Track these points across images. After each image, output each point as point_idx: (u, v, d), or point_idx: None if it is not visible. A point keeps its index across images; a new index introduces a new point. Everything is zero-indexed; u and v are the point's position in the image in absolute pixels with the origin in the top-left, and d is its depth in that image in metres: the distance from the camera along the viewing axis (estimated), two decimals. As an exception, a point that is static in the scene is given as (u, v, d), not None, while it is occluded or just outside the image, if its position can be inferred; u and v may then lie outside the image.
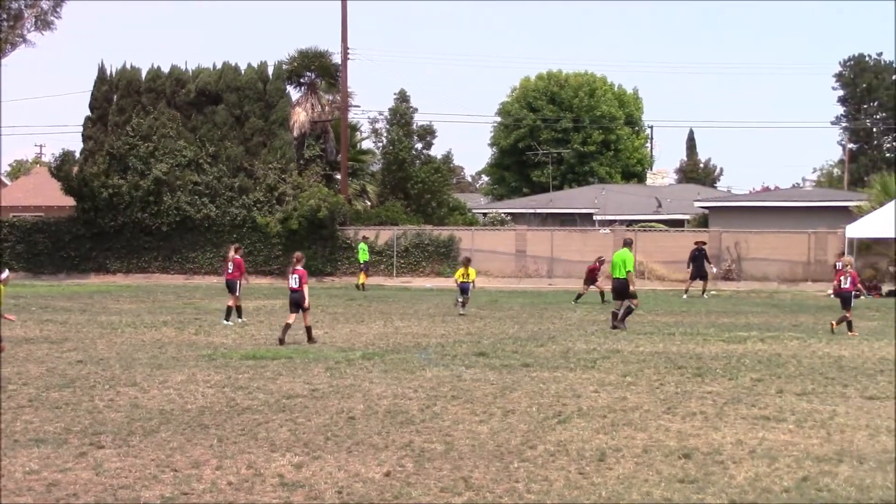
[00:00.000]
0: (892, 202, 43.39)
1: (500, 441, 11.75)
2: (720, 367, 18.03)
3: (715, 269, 45.19)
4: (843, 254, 42.46)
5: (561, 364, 18.44)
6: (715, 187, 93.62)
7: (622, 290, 25.64)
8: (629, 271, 25.48)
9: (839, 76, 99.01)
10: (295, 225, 50.94)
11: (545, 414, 13.44)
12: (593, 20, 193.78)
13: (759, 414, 13.47)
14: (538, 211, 68.48)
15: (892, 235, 43.68)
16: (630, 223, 59.07)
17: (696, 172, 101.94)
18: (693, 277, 41.27)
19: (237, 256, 28.16)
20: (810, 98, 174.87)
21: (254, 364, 18.35)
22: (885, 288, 43.80)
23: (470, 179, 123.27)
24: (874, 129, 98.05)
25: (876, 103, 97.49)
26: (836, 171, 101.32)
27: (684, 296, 39.87)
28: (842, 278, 25.40)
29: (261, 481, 10.01)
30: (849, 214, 47.89)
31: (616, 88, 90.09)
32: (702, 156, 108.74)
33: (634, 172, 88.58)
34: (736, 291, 43.62)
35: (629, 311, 25.59)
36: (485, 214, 67.77)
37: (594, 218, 65.97)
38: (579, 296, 35.84)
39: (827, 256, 47.35)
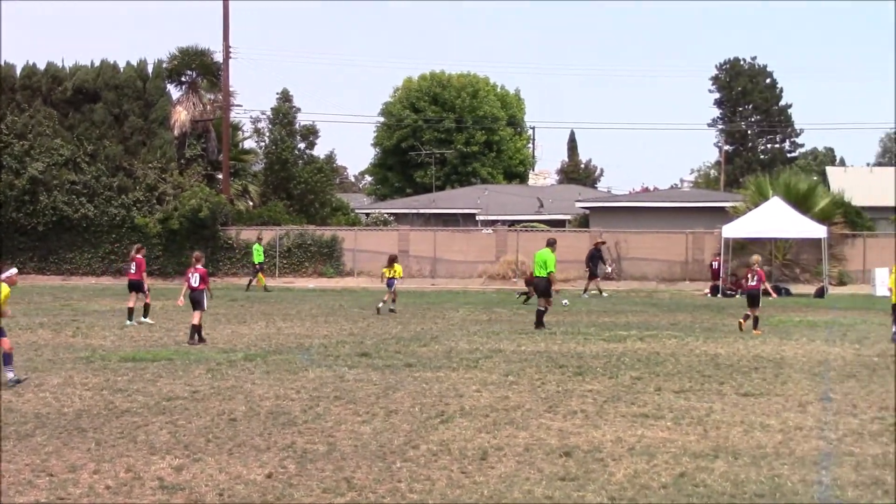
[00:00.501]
0: (767, 203, 44.41)
1: (383, 441, 11.76)
2: (600, 366, 18.28)
3: (609, 269, 45.74)
4: (719, 254, 43.41)
5: (444, 364, 18.52)
6: (595, 188, 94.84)
7: (544, 288, 26.00)
8: (551, 272, 25.86)
9: (715, 79, 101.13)
10: (175, 225, 50.22)
11: (428, 414, 13.48)
12: (477, 21, 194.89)
13: (638, 412, 13.69)
14: (421, 211, 68.57)
15: (767, 236, 44.74)
16: (512, 223, 59.52)
17: (577, 173, 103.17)
18: (592, 276, 41.88)
19: (138, 256, 27.66)
20: (688, 100, 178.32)
21: (133, 366, 18.07)
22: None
23: (353, 179, 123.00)
24: (749, 132, 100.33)
25: (750, 106, 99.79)
26: (712, 172, 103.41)
27: (584, 294, 40.35)
28: (749, 276, 26.08)
29: (140, 484, 9.86)
30: (725, 215, 48.85)
31: (499, 89, 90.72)
32: (583, 157, 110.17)
33: (517, 173, 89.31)
34: (616, 291, 44.23)
35: (541, 313, 26.00)
36: (368, 215, 67.65)
37: (477, 218, 66.31)
38: (528, 297, 36.03)
39: (704, 256, 48.31)
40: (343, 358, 19.36)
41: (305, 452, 11.19)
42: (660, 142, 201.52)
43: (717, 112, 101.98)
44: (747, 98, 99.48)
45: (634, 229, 51.17)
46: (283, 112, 62.38)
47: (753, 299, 25.42)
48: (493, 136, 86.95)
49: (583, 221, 61.37)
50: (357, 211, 68.53)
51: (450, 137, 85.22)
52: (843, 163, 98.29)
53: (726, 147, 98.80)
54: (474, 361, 18.86)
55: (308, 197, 59.34)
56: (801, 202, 46.32)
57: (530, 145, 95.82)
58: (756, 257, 27.24)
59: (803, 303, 37.72)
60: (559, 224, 62.98)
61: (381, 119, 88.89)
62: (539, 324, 25.65)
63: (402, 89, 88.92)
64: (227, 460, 10.80)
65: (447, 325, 26.77)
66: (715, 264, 43.67)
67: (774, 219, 42.95)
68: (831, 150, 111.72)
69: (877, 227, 52.05)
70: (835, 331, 25.85)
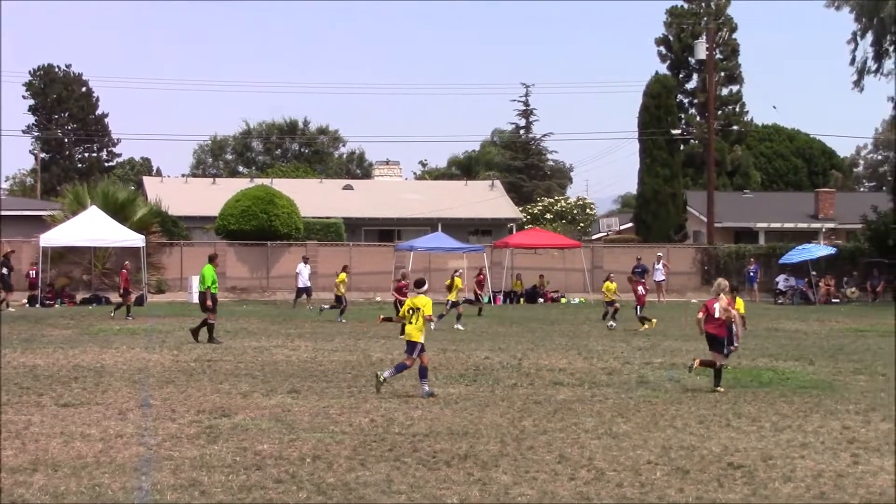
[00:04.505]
0: (85, 212, 44.25)
1: None
2: None
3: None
4: (37, 263, 42.38)
5: None
6: None
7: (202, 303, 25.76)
8: (208, 287, 25.32)
9: (29, 85, 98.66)
10: None
11: None
12: None
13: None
14: None
15: (87, 245, 44.53)
16: None
17: None
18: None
19: None
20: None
21: None
22: (80, 296, 44.47)
23: None
24: (66, 140, 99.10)
25: (67, 114, 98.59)
26: (29, 179, 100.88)
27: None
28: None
29: None
30: (43, 223, 47.97)
31: None
32: None
33: None
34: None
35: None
36: None
37: None
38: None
39: (22, 266, 46.89)
40: None
41: None
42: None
43: (31, 118, 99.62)
44: (63, 106, 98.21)
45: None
46: None
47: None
48: None
49: None
50: None
51: None
52: (159, 173, 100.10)
53: (42, 155, 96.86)
54: None
55: None
56: (120, 211, 46.77)
57: None
58: (404, 270, 31.38)
59: (122, 311, 37.96)
60: None
61: None
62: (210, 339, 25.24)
63: None
64: None
65: None
66: (33, 273, 42.70)
67: (93, 227, 42.95)
68: (148, 160, 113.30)
69: (192, 236, 53.77)
70: (154, 338, 26.37)
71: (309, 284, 42.15)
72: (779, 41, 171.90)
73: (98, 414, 14.36)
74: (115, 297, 44.30)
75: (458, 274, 34.05)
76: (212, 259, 26.71)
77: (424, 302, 16.57)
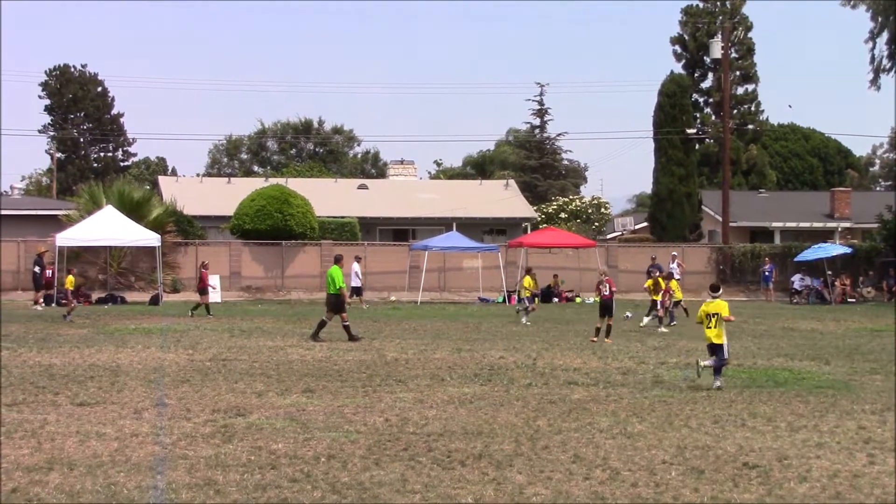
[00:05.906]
0: (101, 211, 44.32)
1: None
2: (-75, 383, 17.20)
3: None
4: (53, 262, 42.52)
5: None
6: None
7: (335, 303, 26.03)
8: (340, 287, 25.78)
9: (45, 85, 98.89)
10: None
11: None
12: None
13: (-35, 428, 13.07)
14: None
15: (102, 244, 44.61)
16: None
17: None
18: None
19: None
20: (17, 105, 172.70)
21: None
22: (96, 295, 44.59)
23: None
24: (82, 140, 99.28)
25: (82, 114, 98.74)
26: (45, 179, 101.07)
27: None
28: (602, 287, 27.14)
29: None
30: (59, 223, 48.06)
31: None
32: None
33: None
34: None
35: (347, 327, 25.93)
36: None
37: None
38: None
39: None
40: None
41: None
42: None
43: (47, 118, 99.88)
44: (78, 106, 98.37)
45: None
46: None
47: (608, 309, 26.68)
48: None
49: None
50: None
51: None
52: (175, 172, 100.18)
53: (58, 154, 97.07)
54: None
55: None
56: (136, 210, 46.81)
57: None
58: (604, 268, 29.12)
59: (138, 310, 38.09)
60: None
61: None
62: (352, 337, 25.59)
63: None
64: None
65: None
66: (48, 273, 42.79)
67: (109, 227, 42.98)
68: (163, 159, 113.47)
69: (208, 236, 53.83)
70: (169, 337, 26.40)
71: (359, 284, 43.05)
72: (794, 40, 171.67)
73: (113, 413, 14.39)
74: (132, 296, 44.46)
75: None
76: (338, 260, 26.93)
77: (722, 306, 17.60)
